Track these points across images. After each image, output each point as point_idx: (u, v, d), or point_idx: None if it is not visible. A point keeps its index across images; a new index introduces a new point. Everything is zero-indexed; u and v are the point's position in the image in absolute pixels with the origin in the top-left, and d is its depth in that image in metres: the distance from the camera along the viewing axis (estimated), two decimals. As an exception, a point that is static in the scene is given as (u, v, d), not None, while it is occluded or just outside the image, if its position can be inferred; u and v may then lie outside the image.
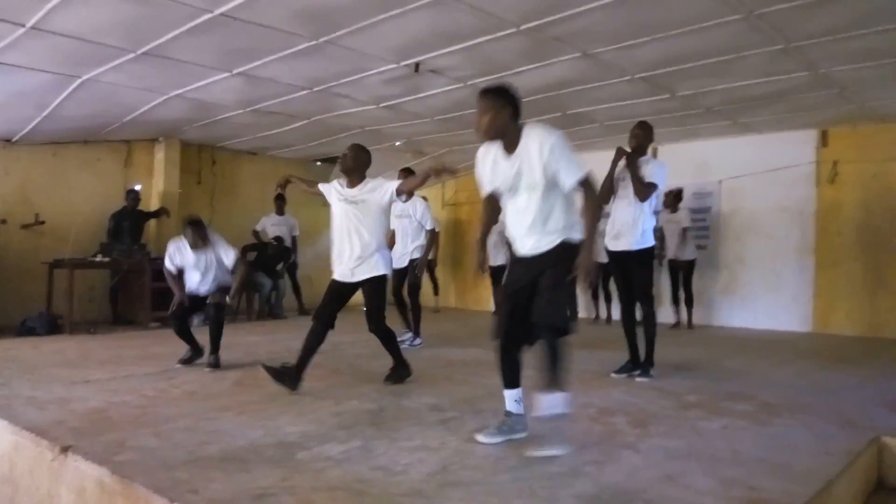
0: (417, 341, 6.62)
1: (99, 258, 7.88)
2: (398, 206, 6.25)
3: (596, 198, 3.18)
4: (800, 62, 5.69)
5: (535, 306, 3.07)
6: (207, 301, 5.45)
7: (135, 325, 8.08)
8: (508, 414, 3.26)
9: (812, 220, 8.33)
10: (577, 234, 3.17)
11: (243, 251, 9.21)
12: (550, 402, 3.02)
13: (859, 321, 7.91)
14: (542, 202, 3.11)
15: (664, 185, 5.04)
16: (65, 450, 2.94)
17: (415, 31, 5.15)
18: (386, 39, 5.32)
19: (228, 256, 5.47)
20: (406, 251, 6.65)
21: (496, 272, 9.75)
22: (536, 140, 3.09)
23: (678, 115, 7.64)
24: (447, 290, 11.91)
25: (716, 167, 8.94)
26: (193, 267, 5.46)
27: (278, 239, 9.52)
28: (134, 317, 8.29)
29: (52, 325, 7.34)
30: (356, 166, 4.65)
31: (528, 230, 3.16)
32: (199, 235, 5.42)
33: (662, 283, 8.80)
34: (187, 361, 5.37)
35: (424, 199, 6.93)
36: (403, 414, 3.82)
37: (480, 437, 3.20)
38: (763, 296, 8.65)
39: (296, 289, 9.99)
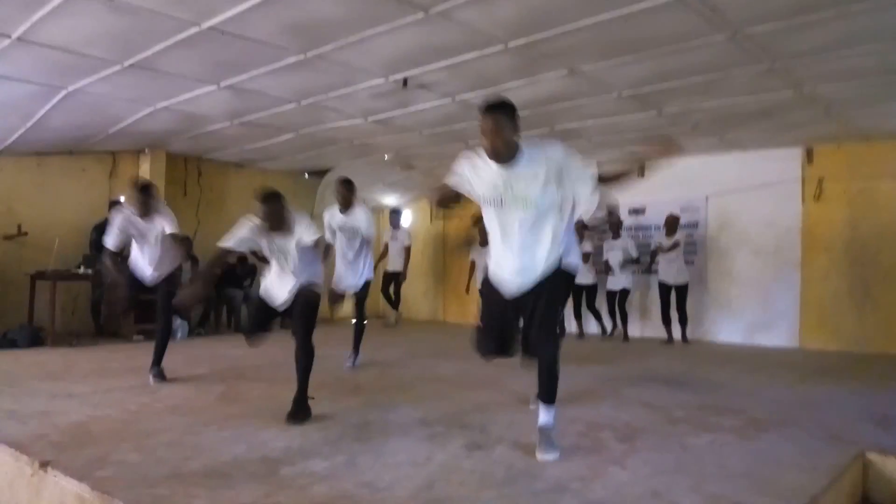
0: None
1: (82, 270, 7.80)
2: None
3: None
4: (785, 81, 5.76)
5: (531, 339, 3.19)
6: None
7: (118, 338, 7.99)
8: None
9: (798, 237, 8.39)
10: (573, 259, 3.21)
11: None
12: (546, 415, 3.25)
13: (846, 337, 7.96)
14: (534, 224, 3.09)
15: None
16: (44, 465, 2.89)
17: (403, 47, 5.17)
18: (374, 54, 5.34)
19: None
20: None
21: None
22: (543, 155, 3.08)
23: (665, 131, 7.69)
24: (435, 303, 11.89)
25: (703, 183, 9.01)
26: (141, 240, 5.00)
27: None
28: (117, 329, 8.20)
29: (33, 338, 7.25)
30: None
31: (517, 258, 3.13)
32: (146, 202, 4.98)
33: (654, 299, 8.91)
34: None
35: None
36: (389, 428, 3.79)
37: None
38: (750, 311, 8.69)
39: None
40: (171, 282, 5.20)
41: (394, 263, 10.47)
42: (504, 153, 3.04)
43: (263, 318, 4.31)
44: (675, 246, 8.41)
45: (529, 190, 3.04)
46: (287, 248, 4.13)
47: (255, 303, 4.57)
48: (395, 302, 10.59)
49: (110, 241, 5.08)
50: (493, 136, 3.01)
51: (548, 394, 3.24)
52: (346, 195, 5.80)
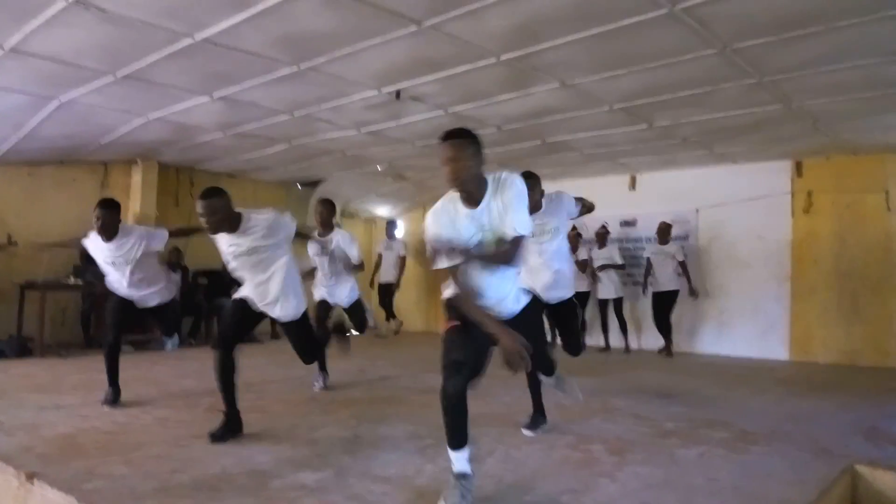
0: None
1: (72, 280, 7.76)
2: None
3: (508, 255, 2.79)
4: (774, 95, 5.81)
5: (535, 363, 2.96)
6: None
7: (108, 349, 7.92)
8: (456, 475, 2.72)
9: (788, 249, 8.44)
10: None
11: (195, 276, 9.23)
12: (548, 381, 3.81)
13: (835, 349, 7.99)
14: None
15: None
16: (31, 477, 2.87)
17: (396, 59, 5.20)
18: (367, 66, 5.36)
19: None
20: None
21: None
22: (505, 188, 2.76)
23: (655, 144, 7.75)
24: (427, 314, 11.87)
25: (693, 196, 9.06)
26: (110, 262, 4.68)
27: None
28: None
29: (22, 348, 7.20)
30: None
31: (501, 289, 2.89)
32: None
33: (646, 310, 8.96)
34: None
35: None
36: (379, 441, 3.78)
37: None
38: (740, 323, 8.72)
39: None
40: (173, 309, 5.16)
41: (387, 274, 10.52)
42: (462, 183, 2.74)
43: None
44: (684, 267, 8.52)
45: (504, 226, 2.76)
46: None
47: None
48: (388, 312, 10.57)
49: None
50: (450, 163, 2.71)
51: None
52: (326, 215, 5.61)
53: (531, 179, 3.78)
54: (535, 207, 3.97)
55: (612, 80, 5.56)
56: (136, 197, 9.15)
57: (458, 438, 2.67)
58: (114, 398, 4.69)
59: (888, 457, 3.57)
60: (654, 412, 4.69)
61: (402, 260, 10.41)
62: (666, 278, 8.56)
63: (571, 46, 4.83)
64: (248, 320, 4.08)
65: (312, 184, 10.78)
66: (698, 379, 6.53)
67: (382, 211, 12.49)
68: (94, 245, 4.75)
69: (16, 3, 4.17)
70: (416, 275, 11.61)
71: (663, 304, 8.57)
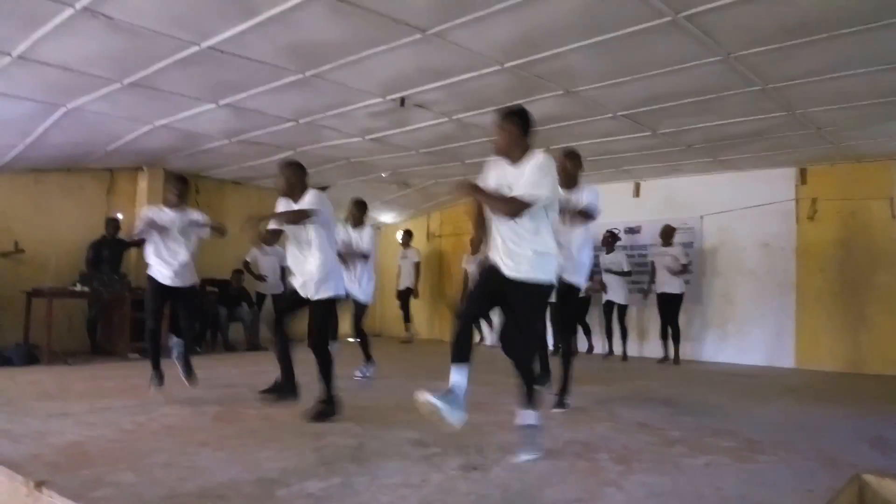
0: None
1: (78, 287, 7.78)
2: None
3: (508, 203, 3.41)
4: (778, 103, 5.82)
5: (515, 343, 3.55)
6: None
7: (114, 356, 7.96)
8: (453, 389, 3.39)
9: (793, 257, 8.44)
10: (544, 275, 3.45)
11: (202, 285, 9.26)
12: (525, 416, 3.54)
13: (841, 357, 7.97)
14: (526, 221, 3.41)
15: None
16: (39, 485, 2.87)
17: (400, 67, 5.23)
18: (372, 74, 5.39)
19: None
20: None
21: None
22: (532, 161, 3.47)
23: (660, 151, 7.76)
24: (432, 320, 11.88)
25: (697, 203, 9.07)
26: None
27: (239, 272, 9.58)
28: (113, 347, 8.17)
29: (29, 356, 7.21)
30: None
31: (508, 244, 3.45)
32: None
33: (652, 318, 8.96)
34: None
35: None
36: (385, 449, 3.78)
37: (419, 394, 3.33)
38: (746, 331, 8.71)
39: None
40: (196, 295, 5.58)
41: (406, 281, 11.08)
42: (505, 153, 3.54)
43: None
44: (685, 269, 8.47)
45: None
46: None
47: None
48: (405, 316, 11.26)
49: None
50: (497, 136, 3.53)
51: (524, 395, 3.58)
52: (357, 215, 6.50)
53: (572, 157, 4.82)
54: (569, 183, 4.79)
55: (617, 87, 5.58)
56: (142, 204, 9.14)
57: (459, 355, 3.40)
58: (160, 381, 5.18)
59: (895, 466, 3.55)
60: (659, 421, 4.68)
61: (418, 266, 11.04)
62: (668, 279, 8.53)
63: (576, 54, 4.86)
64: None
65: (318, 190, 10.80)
66: (704, 387, 6.52)
67: (387, 218, 12.51)
68: (159, 215, 5.25)
69: (24, 11, 4.21)
70: (424, 284, 11.65)
71: (670, 308, 8.55)
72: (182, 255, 5.26)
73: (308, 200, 4.50)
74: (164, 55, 4.94)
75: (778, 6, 4.08)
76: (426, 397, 3.27)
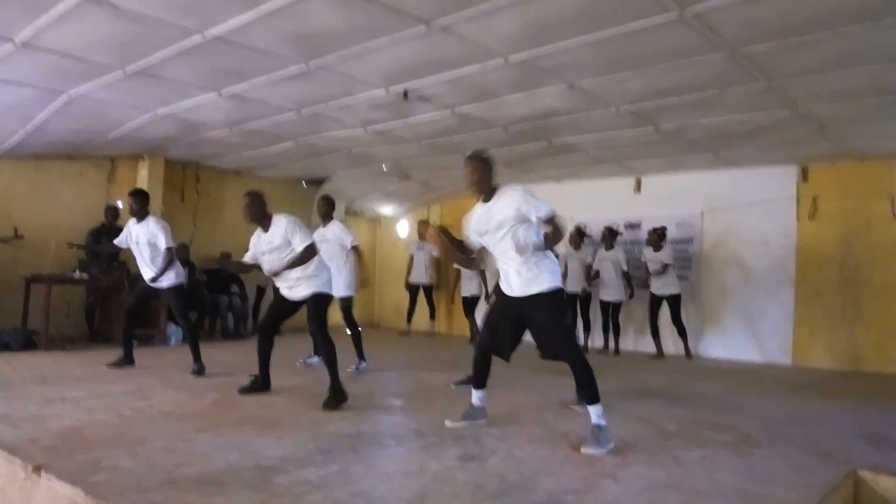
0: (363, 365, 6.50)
1: (77, 274, 7.78)
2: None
3: (558, 226, 3.79)
4: (781, 99, 5.82)
5: (552, 347, 3.82)
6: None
7: (111, 343, 7.95)
8: (472, 406, 4.06)
9: (793, 254, 8.43)
10: (550, 283, 3.79)
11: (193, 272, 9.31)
12: (590, 413, 3.70)
13: (839, 354, 7.99)
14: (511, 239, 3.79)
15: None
16: (37, 469, 2.88)
17: (404, 59, 5.21)
18: (376, 66, 5.38)
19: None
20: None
21: (468, 302, 10.12)
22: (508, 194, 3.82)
23: (662, 146, 7.75)
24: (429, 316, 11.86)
25: (698, 199, 9.07)
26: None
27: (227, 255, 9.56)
28: (111, 333, 8.17)
29: (26, 341, 7.22)
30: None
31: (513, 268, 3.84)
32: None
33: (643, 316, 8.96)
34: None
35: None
36: (383, 438, 3.80)
37: (448, 423, 3.99)
38: (744, 327, 8.71)
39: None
40: (178, 293, 6.03)
41: (419, 275, 10.79)
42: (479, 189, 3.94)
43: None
44: (664, 268, 8.48)
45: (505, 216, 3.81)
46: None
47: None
48: (431, 311, 11.12)
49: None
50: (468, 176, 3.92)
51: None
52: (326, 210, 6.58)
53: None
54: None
55: (620, 82, 5.57)
56: (142, 192, 9.17)
57: (477, 380, 4.05)
58: (119, 362, 6.01)
59: (891, 462, 3.57)
60: (656, 414, 4.70)
61: (436, 260, 10.78)
62: (662, 282, 8.56)
63: (580, 48, 4.85)
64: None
65: (318, 182, 10.80)
66: (701, 382, 6.53)
67: (387, 210, 12.50)
68: (128, 230, 6.11)
69: (29, -2, 4.20)
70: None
71: (671, 309, 8.58)
72: (145, 254, 5.95)
73: (286, 229, 4.85)
74: (167, 43, 4.92)
75: (784, 2, 4.07)
76: (454, 425, 3.98)
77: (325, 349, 4.70)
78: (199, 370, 5.81)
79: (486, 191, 3.88)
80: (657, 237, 8.70)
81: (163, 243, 5.89)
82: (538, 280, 3.73)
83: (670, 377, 6.82)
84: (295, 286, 4.86)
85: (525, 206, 3.71)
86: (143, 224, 5.95)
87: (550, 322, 3.75)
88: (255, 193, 5.00)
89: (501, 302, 3.99)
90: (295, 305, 4.97)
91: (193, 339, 5.99)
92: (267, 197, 5.05)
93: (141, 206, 5.99)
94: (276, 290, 5.01)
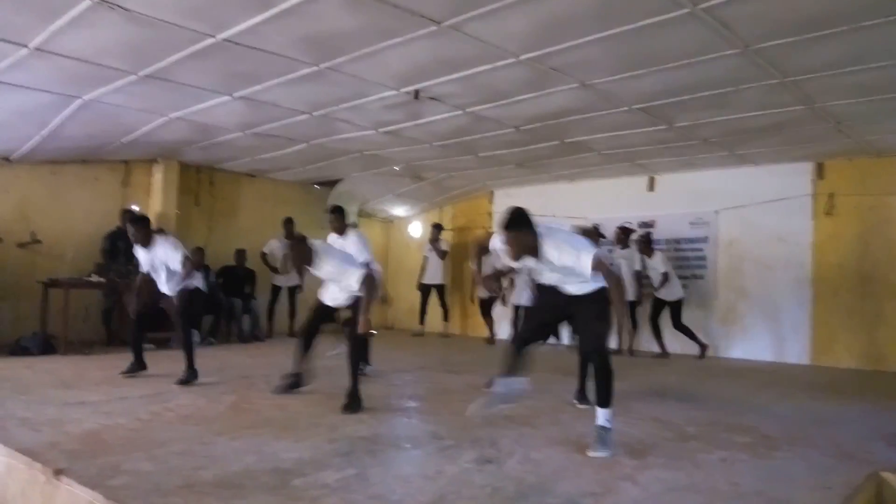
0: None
1: (94, 278, 7.84)
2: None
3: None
4: (796, 96, 5.76)
5: (588, 336, 3.94)
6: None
7: (129, 347, 7.99)
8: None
9: (810, 252, 8.35)
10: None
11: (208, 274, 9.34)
12: (598, 415, 3.66)
13: (858, 353, 7.90)
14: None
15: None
16: (58, 473, 2.90)
17: (415, 59, 5.21)
18: (387, 66, 5.37)
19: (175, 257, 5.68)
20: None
21: (486, 303, 10.12)
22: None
23: (676, 145, 7.70)
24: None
25: (713, 197, 9.00)
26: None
27: (241, 255, 9.66)
28: (128, 337, 8.21)
29: (46, 345, 7.29)
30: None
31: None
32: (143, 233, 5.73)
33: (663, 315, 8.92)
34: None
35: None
36: (400, 441, 3.80)
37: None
38: (762, 327, 8.63)
39: (291, 312, 9.97)
40: (182, 297, 5.74)
41: (432, 276, 10.79)
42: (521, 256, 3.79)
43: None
44: (665, 277, 8.49)
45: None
46: None
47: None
48: (444, 313, 11.06)
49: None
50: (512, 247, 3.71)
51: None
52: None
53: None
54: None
55: (632, 80, 5.53)
56: (157, 196, 9.24)
57: (506, 370, 3.80)
58: (130, 368, 5.94)
59: (913, 463, 3.52)
60: (675, 416, 4.66)
61: (446, 255, 10.80)
62: (665, 288, 8.56)
63: (592, 46, 4.82)
64: None
65: (330, 184, 10.82)
66: (718, 382, 6.49)
67: (400, 211, 12.50)
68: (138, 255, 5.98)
69: (41, 3, 4.23)
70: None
71: (672, 315, 8.57)
72: (162, 276, 5.78)
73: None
74: (179, 47, 4.94)
75: (797, -3, 4.03)
76: (481, 400, 3.81)
77: (357, 354, 4.84)
78: (187, 378, 5.52)
79: (534, 248, 3.69)
80: (624, 235, 8.83)
81: (177, 265, 5.65)
82: (590, 285, 3.77)
83: (685, 378, 6.78)
84: (338, 298, 5.04)
85: (579, 266, 3.62)
86: (152, 249, 5.71)
87: (596, 315, 3.80)
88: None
89: (550, 295, 3.93)
90: (335, 310, 5.15)
91: (188, 344, 5.70)
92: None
93: (143, 232, 5.72)
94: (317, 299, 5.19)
